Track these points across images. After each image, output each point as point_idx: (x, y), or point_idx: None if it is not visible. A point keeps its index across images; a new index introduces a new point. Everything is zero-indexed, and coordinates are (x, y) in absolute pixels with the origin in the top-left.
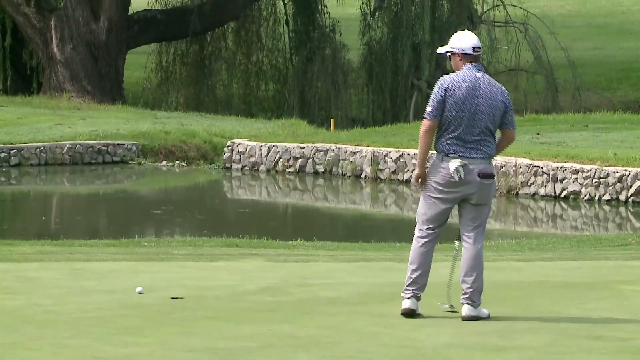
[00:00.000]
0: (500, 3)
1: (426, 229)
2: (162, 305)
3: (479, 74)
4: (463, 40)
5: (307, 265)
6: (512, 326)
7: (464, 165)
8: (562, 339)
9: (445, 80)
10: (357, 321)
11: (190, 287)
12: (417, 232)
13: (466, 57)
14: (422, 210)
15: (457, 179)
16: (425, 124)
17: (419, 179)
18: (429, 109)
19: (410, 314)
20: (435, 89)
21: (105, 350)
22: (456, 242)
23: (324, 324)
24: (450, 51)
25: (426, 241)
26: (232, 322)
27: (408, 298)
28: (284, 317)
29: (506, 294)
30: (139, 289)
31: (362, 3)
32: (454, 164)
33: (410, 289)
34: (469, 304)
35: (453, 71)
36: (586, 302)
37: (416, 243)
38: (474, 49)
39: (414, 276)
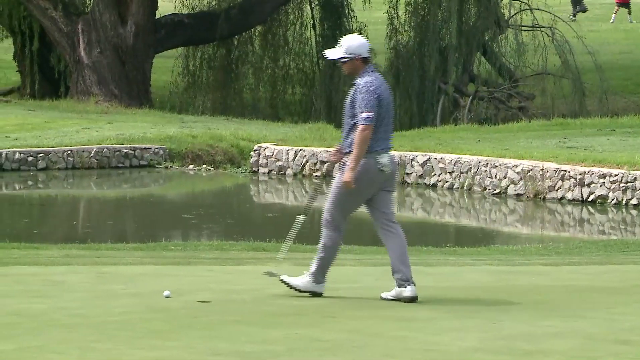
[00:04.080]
0: (528, 7)
1: (344, 222)
2: (188, 309)
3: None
4: (361, 44)
5: (334, 269)
6: (539, 330)
7: (390, 157)
8: (589, 344)
9: (373, 84)
10: (383, 325)
11: (216, 291)
12: (340, 227)
13: (365, 60)
14: (347, 206)
15: (388, 171)
16: (368, 128)
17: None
18: (370, 115)
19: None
20: (371, 95)
21: (132, 354)
22: (300, 217)
23: (350, 327)
24: (348, 57)
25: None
26: (259, 326)
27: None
28: (310, 320)
29: (533, 298)
30: (166, 292)
31: (389, 7)
32: (384, 158)
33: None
34: (413, 284)
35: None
36: (613, 306)
37: (338, 237)
38: (368, 51)
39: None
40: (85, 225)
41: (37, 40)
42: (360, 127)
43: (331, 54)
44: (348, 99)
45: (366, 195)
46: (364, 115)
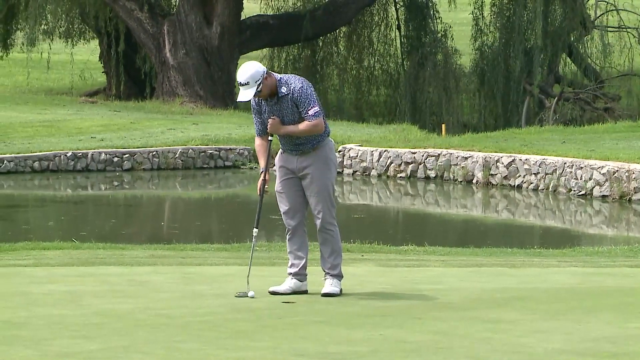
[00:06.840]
0: (614, 8)
1: None
2: (273, 310)
3: None
4: (255, 65)
5: (418, 270)
6: (625, 332)
7: None
8: None
9: (303, 82)
10: (468, 326)
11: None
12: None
13: (268, 72)
14: (334, 193)
15: None
16: (321, 120)
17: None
18: (318, 108)
19: None
20: (312, 90)
21: (217, 354)
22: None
23: (435, 329)
24: (260, 82)
25: None
26: (343, 327)
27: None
28: (394, 322)
29: (619, 300)
30: (250, 293)
31: (474, 8)
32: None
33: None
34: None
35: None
36: None
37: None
38: (261, 65)
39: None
40: (170, 226)
41: (122, 42)
42: (316, 120)
43: (246, 95)
44: (284, 106)
45: None
46: (316, 110)
